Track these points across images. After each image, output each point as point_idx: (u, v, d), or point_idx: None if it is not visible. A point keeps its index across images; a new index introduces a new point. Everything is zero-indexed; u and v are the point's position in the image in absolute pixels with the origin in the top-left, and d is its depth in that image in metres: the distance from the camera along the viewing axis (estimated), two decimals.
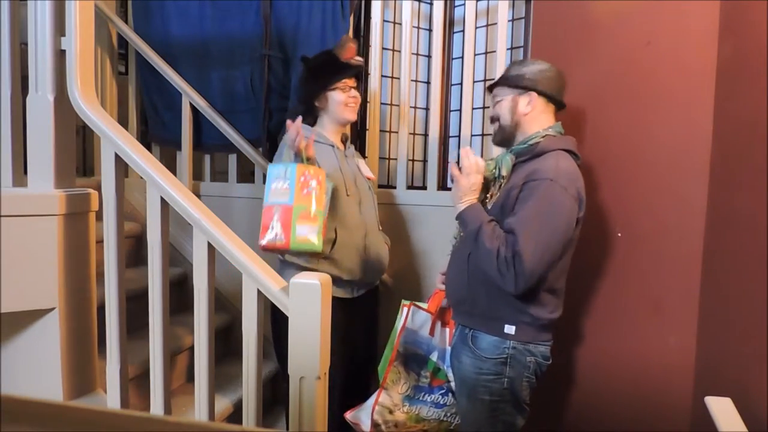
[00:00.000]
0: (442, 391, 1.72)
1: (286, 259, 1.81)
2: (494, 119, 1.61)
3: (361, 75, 2.01)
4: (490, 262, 1.40)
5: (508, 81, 1.57)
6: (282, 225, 1.44)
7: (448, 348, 1.71)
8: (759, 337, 1.28)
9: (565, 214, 1.40)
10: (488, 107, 1.66)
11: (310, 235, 1.45)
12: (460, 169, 1.52)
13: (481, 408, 1.51)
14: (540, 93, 1.52)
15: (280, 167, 1.50)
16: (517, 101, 1.54)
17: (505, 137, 1.59)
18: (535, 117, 1.53)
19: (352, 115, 1.89)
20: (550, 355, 1.54)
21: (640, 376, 1.80)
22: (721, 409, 1.13)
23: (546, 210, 1.38)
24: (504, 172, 1.51)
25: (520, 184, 1.44)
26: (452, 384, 1.67)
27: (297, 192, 1.46)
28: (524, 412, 1.53)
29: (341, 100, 1.85)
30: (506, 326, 1.47)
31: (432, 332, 1.74)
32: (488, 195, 1.56)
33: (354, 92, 1.88)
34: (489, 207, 1.53)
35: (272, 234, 1.44)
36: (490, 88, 1.65)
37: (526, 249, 1.34)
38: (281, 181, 1.47)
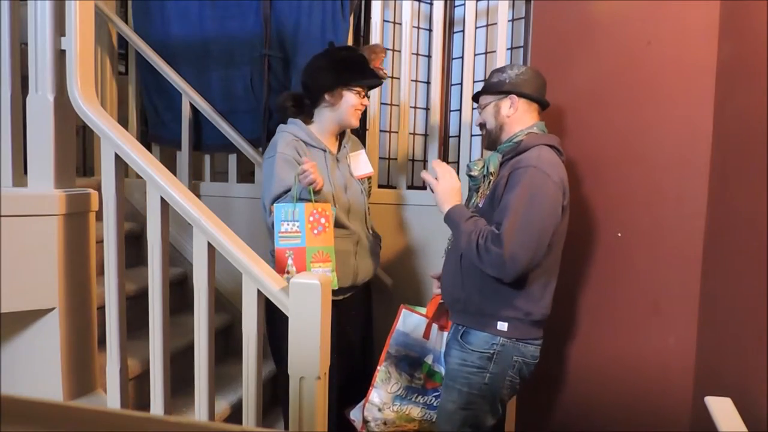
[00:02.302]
0: (436, 394, 1.72)
1: None
2: (482, 126, 1.67)
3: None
4: (471, 253, 1.45)
5: (489, 89, 1.63)
6: (297, 268, 1.48)
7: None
8: (759, 337, 1.28)
9: (549, 197, 1.44)
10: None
11: (326, 274, 1.48)
12: (435, 178, 1.58)
13: (457, 398, 1.53)
14: (520, 95, 1.58)
15: (287, 208, 1.50)
16: (499, 105, 1.60)
17: (492, 140, 1.65)
18: (519, 118, 1.59)
19: (356, 122, 1.83)
20: (539, 355, 1.56)
21: (640, 376, 1.80)
22: (721, 409, 1.13)
23: (530, 194, 1.42)
24: (492, 170, 1.56)
25: (506, 175, 1.49)
26: None
27: (308, 233, 1.49)
28: (497, 413, 1.56)
29: (354, 104, 1.77)
30: (499, 323, 1.50)
31: (427, 335, 1.74)
32: (479, 194, 1.60)
33: (366, 100, 1.82)
34: (480, 204, 1.57)
35: (288, 277, 1.46)
36: (474, 98, 1.72)
37: (508, 233, 1.39)
38: (290, 223, 1.49)
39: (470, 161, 1.67)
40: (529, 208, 1.41)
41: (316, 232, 1.50)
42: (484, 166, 1.59)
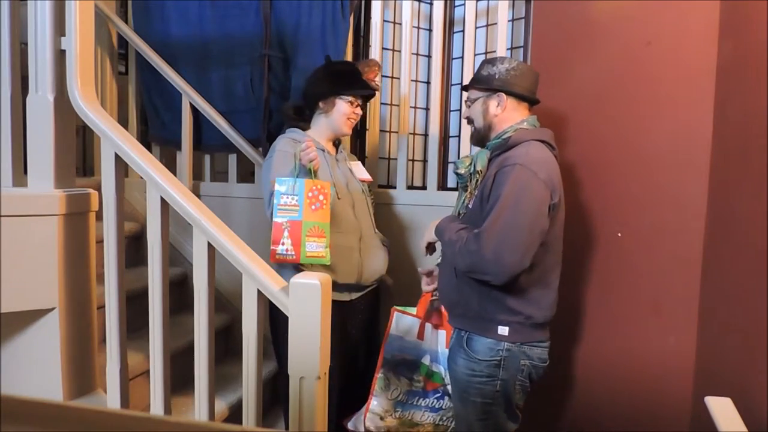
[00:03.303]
0: (438, 395, 1.71)
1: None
2: (470, 120, 1.64)
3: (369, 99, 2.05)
4: (455, 260, 1.47)
5: (479, 83, 1.59)
6: (292, 241, 1.51)
7: (443, 350, 1.70)
8: (759, 337, 1.28)
9: (535, 196, 1.40)
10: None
11: (319, 249, 1.53)
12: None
13: (473, 410, 1.50)
14: (509, 93, 1.54)
15: (288, 182, 1.54)
16: (487, 104, 1.57)
17: (480, 138, 1.62)
18: (507, 116, 1.56)
19: (349, 130, 1.93)
20: (547, 357, 1.54)
21: (640, 377, 1.80)
22: (721, 409, 1.13)
23: (515, 194, 1.39)
24: (479, 167, 1.52)
25: (493, 173, 1.46)
26: (449, 387, 1.66)
27: (306, 207, 1.52)
28: (516, 419, 1.53)
29: (346, 112, 1.87)
30: (499, 327, 1.47)
31: (421, 336, 1.73)
32: (467, 193, 1.57)
33: (359, 110, 1.91)
34: (470, 205, 1.55)
35: (283, 249, 1.51)
36: (465, 89, 1.68)
37: (488, 232, 1.38)
38: (290, 197, 1.53)
39: (457, 159, 1.64)
40: (515, 207, 1.38)
41: (313, 207, 1.53)
42: (471, 164, 1.55)
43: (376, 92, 1.99)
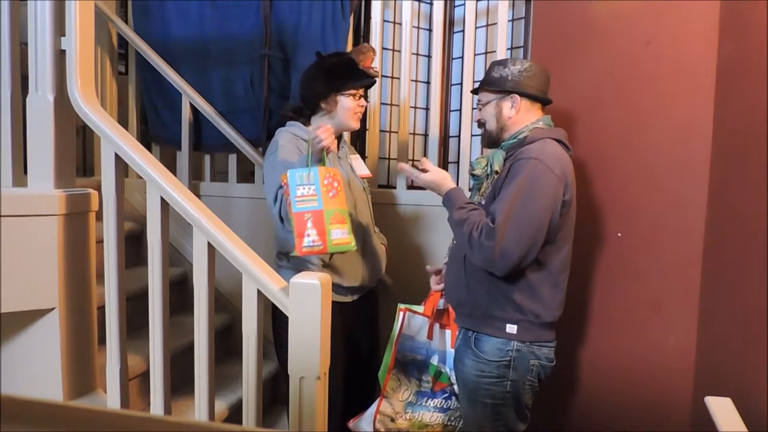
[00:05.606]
0: (446, 395, 1.71)
1: (281, 264, 1.81)
2: (481, 123, 1.62)
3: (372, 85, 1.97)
4: (464, 244, 1.43)
5: (490, 85, 1.57)
6: (317, 231, 1.47)
7: (449, 350, 1.70)
8: (759, 337, 1.28)
9: (549, 191, 1.39)
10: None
11: (344, 236, 1.49)
12: (419, 170, 1.58)
13: (482, 412, 1.49)
14: (523, 95, 1.53)
15: (302, 172, 1.50)
16: (501, 106, 1.55)
17: (493, 140, 1.60)
18: (521, 117, 1.54)
19: (357, 124, 1.84)
20: (554, 357, 1.54)
21: (640, 377, 1.80)
22: (721, 409, 1.13)
23: (527, 188, 1.38)
24: (496, 167, 1.51)
25: (507, 167, 1.45)
26: (455, 387, 1.66)
27: (324, 195, 1.48)
28: (525, 419, 1.52)
29: (350, 107, 1.79)
30: (508, 326, 1.46)
31: (430, 336, 1.72)
32: (480, 193, 1.56)
33: (363, 101, 1.83)
34: (483, 202, 1.53)
35: (309, 240, 1.47)
36: (474, 92, 1.67)
37: (502, 226, 1.35)
38: (306, 187, 1.49)
39: (473, 160, 1.61)
40: (526, 201, 1.37)
41: (331, 194, 1.49)
42: (487, 164, 1.54)
43: (377, 79, 1.88)
